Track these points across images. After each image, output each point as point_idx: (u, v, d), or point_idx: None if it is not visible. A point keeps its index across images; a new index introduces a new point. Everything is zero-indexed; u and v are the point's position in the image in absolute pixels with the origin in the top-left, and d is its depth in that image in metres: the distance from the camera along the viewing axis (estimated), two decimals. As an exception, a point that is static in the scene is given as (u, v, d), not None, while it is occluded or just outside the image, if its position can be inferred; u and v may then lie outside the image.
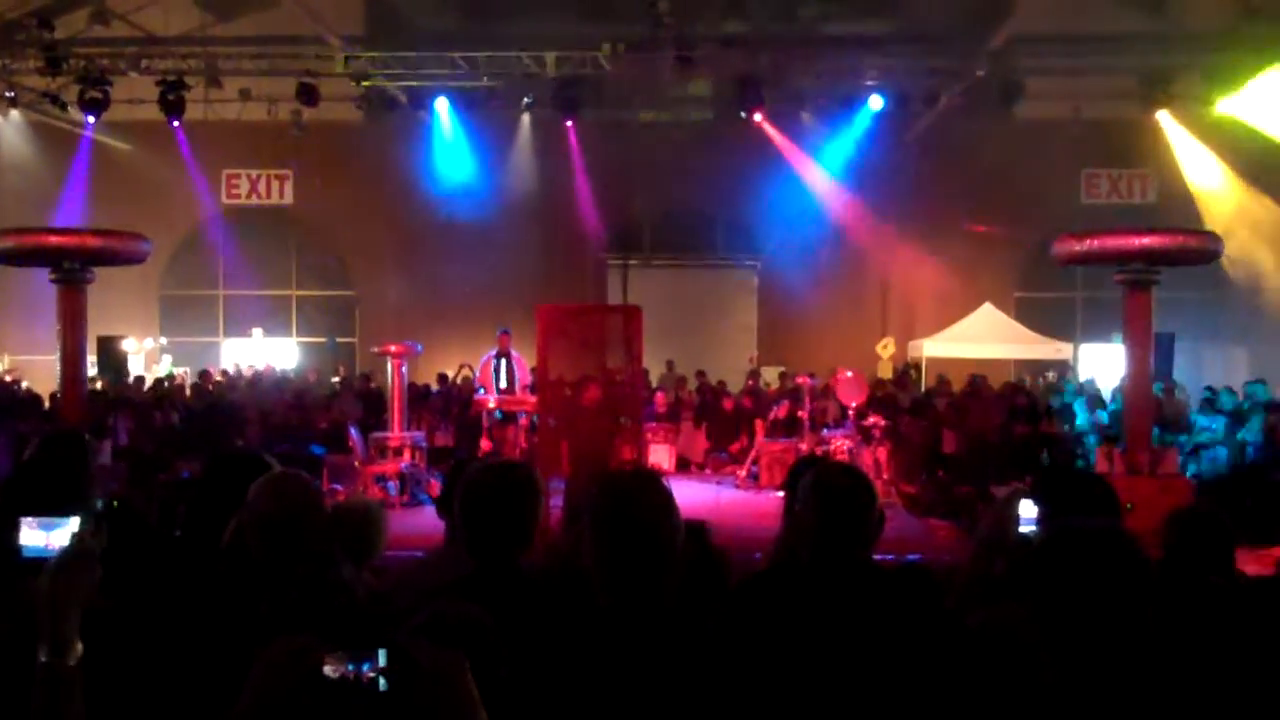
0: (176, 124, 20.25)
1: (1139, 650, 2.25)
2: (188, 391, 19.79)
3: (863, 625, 2.85)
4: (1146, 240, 12.15)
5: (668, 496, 2.72)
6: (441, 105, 21.39)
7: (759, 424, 17.56)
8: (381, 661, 1.84)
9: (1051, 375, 21.50)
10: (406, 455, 15.14)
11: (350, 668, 1.86)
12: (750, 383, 20.17)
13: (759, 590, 3.18)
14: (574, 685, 2.46)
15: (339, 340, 25.22)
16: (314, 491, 3.47)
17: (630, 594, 2.57)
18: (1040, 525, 3.44)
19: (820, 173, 22.75)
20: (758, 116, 20.61)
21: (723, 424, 18.77)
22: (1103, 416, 16.20)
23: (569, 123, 21.60)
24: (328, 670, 1.86)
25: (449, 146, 23.07)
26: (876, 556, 3.13)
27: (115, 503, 5.53)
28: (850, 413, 16.02)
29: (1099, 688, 2.24)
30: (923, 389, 20.02)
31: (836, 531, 3.00)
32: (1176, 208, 21.85)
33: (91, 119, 20.17)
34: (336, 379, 21.51)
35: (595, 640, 2.53)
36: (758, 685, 2.59)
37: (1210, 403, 15.91)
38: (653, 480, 2.77)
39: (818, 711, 2.77)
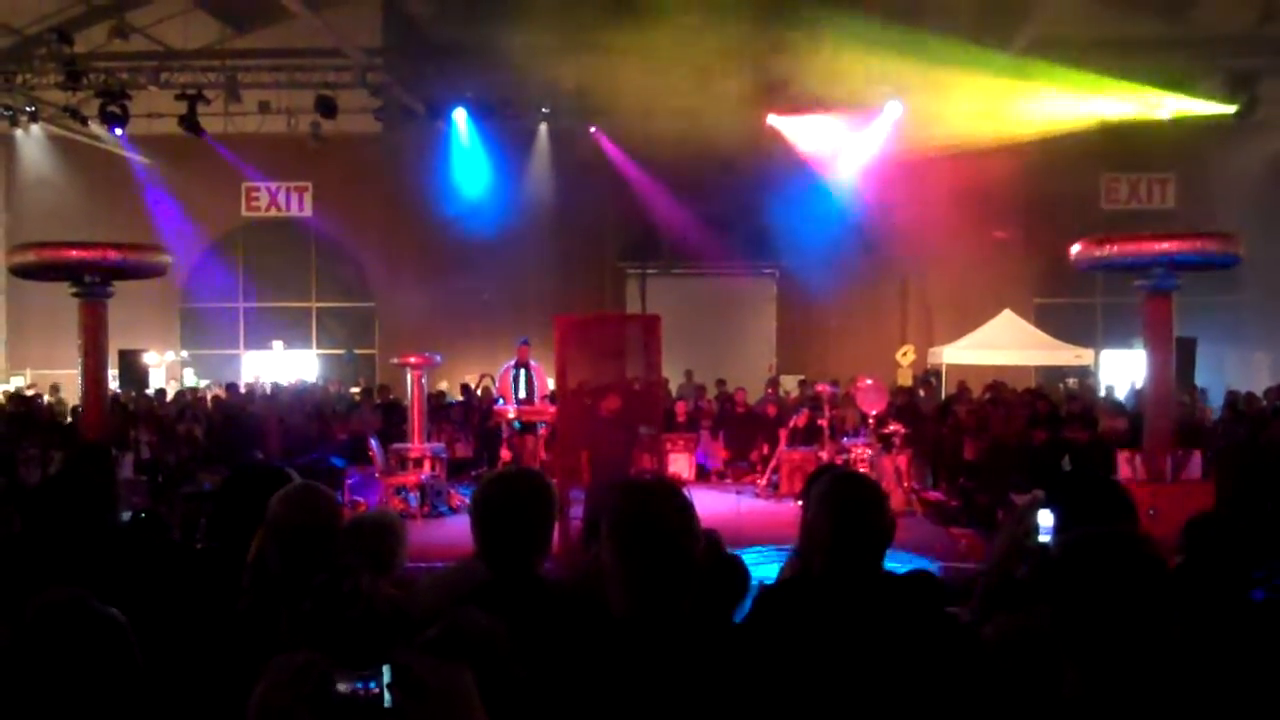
0: (205, 135, 20.41)
1: (1160, 658, 2.24)
2: (209, 403, 19.86)
3: (876, 634, 2.84)
4: (1166, 245, 12.10)
5: (688, 506, 2.72)
6: (459, 116, 21.46)
7: (781, 433, 17.49)
8: (386, 678, 1.84)
9: (1072, 381, 21.43)
10: (427, 467, 15.14)
11: (356, 685, 1.87)
12: (770, 391, 20.12)
13: (775, 601, 3.18)
14: (591, 695, 2.46)
15: (358, 352, 25.30)
16: (332, 504, 3.48)
17: (648, 604, 2.57)
18: (1057, 533, 3.42)
19: (839, 179, 22.70)
20: (776, 122, 20.62)
21: (741, 432, 18.72)
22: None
23: (578, 128, 21.68)
24: (332, 687, 1.86)
25: (467, 157, 23.13)
26: (895, 564, 3.12)
27: (144, 514, 5.57)
28: (870, 420, 15.99)
29: (1119, 696, 2.23)
30: (943, 396, 19.97)
31: (849, 540, 2.99)
32: (1197, 212, 21.79)
33: (119, 130, 20.30)
34: (356, 389, 21.55)
35: (613, 651, 2.53)
36: (774, 696, 2.58)
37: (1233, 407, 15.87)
38: (672, 490, 2.77)
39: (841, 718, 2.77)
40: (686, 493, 2.79)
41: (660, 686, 2.44)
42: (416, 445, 15.26)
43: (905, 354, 22.90)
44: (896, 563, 6.55)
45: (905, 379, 21.84)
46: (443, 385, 21.82)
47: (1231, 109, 19.99)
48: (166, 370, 23.87)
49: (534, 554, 3.20)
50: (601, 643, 2.57)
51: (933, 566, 9.61)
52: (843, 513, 3.02)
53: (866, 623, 2.88)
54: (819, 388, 17.03)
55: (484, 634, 2.31)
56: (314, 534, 3.31)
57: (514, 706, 2.25)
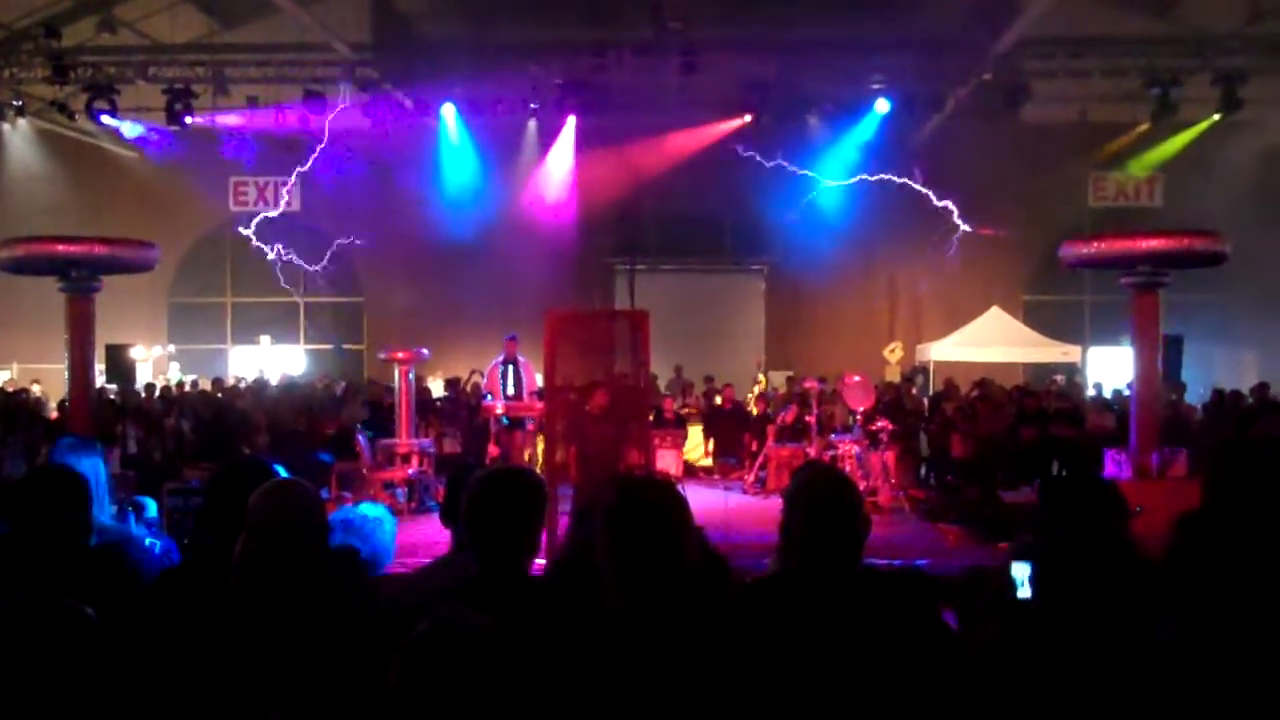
0: (188, 120, 20.31)
1: (1143, 654, 2.25)
2: (186, 388, 19.83)
3: (854, 632, 2.84)
4: (1153, 243, 12.11)
5: (682, 502, 2.73)
6: (448, 111, 21.43)
7: (769, 429, 17.50)
8: None
9: (1060, 378, 21.47)
10: (414, 462, 15.12)
11: None
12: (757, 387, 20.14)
13: (756, 598, 3.17)
14: (581, 690, 2.45)
15: (347, 347, 25.25)
16: (313, 499, 3.46)
17: (642, 599, 2.57)
18: (1046, 531, 3.42)
19: (827, 176, 22.69)
20: (763, 120, 20.63)
21: (726, 429, 18.72)
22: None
23: (566, 124, 21.69)
24: None
25: (456, 152, 23.12)
26: (882, 561, 3.12)
27: (131, 505, 5.54)
28: (858, 417, 15.99)
29: (1103, 692, 2.23)
30: (930, 393, 19.99)
31: (823, 538, 2.99)
32: (1184, 210, 21.85)
33: (113, 119, 20.29)
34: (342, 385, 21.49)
35: (604, 645, 2.53)
36: (756, 693, 2.58)
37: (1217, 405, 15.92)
38: (667, 486, 2.77)
39: (814, 716, 2.77)
40: (680, 489, 2.79)
41: (650, 681, 2.43)
42: (404, 440, 15.25)
43: (893, 350, 22.93)
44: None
45: (893, 375, 21.86)
46: (431, 380, 21.79)
47: (1215, 117, 20.18)
48: (154, 365, 23.80)
49: (523, 552, 3.20)
50: (593, 637, 2.57)
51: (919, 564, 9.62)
52: (816, 509, 3.01)
53: (843, 619, 2.88)
54: (807, 384, 17.03)
55: (473, 631, 2.30)
56: (294, 530, 3.29)
57: (505, 703, 2.24)
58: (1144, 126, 21.53)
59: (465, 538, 3.24)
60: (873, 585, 3.03)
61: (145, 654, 3.09)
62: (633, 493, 2.71)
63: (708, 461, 19.19)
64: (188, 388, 21.18)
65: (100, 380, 16.36)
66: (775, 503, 13.31)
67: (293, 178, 23.99)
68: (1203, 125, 21.40)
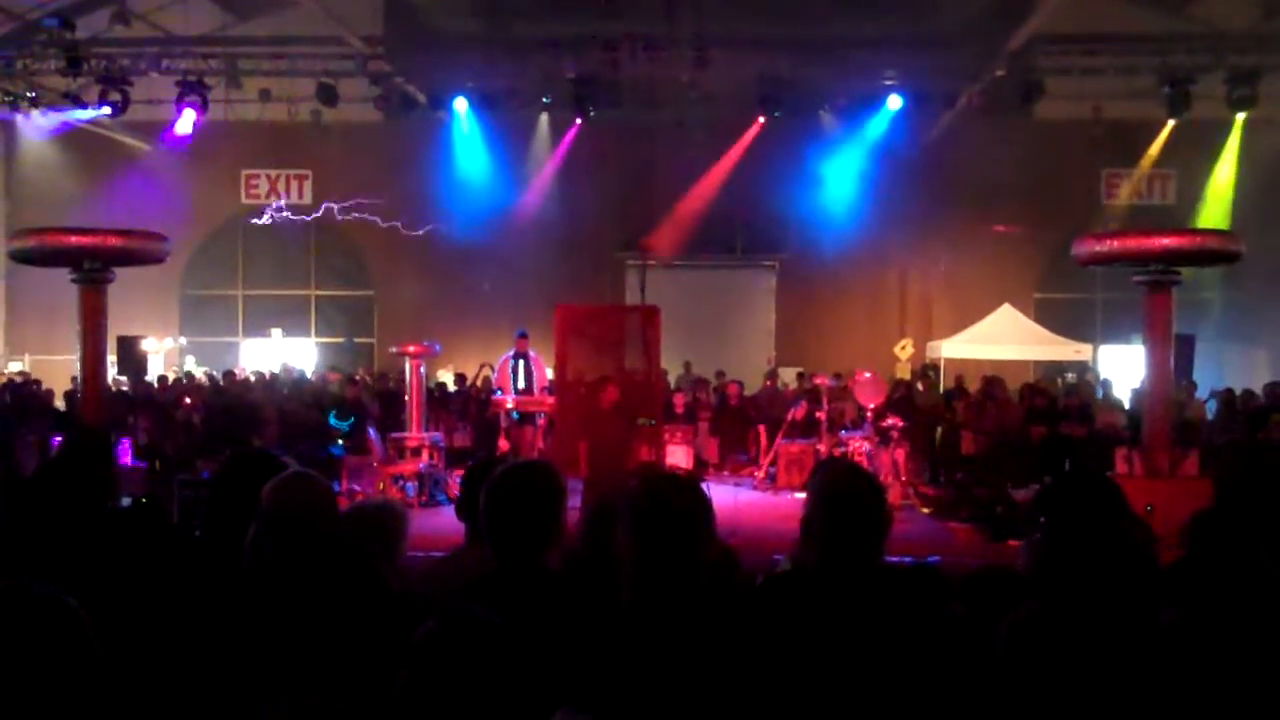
0: (195, 116, 20.29)
1: (1147, 648, 2.25)
2: (199, 379, 19.84)
3: (872, 628, 2.84)
4: (1167, 241, 12.08)
5: (705, 501, 2.73)
6: (460, 105, 21.44)
7: (762, 428, 17.47)
8: None
9: (1071, 376, 21.41)
10: (425, 456, 15.15)
11: None
12: (768, 383, 20.10)
13: (775, 593, 3.17)
14: (597, 682, 2.46)
15: (357, 340, 25.27)
16: (325, 492, 3.47)
17: (660, 593, 2.57)
18: (1049, 529, 3.42)
19: (839, 173, 22.68)
20: (776, 116, 20.60)
21: (732, 425, 18.69)
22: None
23: (578, 119, 21.66)
24: None
25: (468, 146, 23.13)
26: (893, 558, 3.12)
27: (144, 499, 5.56)
28: (868, 414, 15.97)
29: (1106, 684, 2.23)
30: (941, 390, 19.93)
31: (843, 533, 2.98)
32: (1197, 208, 21.82)
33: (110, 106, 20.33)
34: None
35: (620, 638, 2.53)
36: (773, 687, 2.59)
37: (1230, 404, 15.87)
38: (691, 483, 2.77)
39: (829, 713, 2.77)
40: (704, 487, 2.79)
41: (665, 675, 2.44)
42: (415, 434, 15.27)
43: (904, 348, 22.88)
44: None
45: (904, 372, 21.81)
46: (442, 375, 21.80)
47: (1241, 116, 20.13)
48: (165, 357, 23.84)
49: (540, 546, 3.20)
50: (609, 630, 2.57)
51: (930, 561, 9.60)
52: (837, 505, 3.01)
53: (861, 615, 2.88)
54: (817, 380, 17.01)
55: (482, 627, 2.31)
56: (306, 522, 3.30)
57: (514, 699, 2.25)
58: (1171, 124, 21.40)
59: (481, 531, 3.25)
60: (891, 581, 3.03)
61: (155, 642, 3.10)
62: (658, 491, 2.71)
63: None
64: (200, 378, 21.22)
65: (111, 372, 16.39)
66: (785, 499, 13.37)
67: (305, 170, 24.09)
68: (1237, 125, 21.34)
